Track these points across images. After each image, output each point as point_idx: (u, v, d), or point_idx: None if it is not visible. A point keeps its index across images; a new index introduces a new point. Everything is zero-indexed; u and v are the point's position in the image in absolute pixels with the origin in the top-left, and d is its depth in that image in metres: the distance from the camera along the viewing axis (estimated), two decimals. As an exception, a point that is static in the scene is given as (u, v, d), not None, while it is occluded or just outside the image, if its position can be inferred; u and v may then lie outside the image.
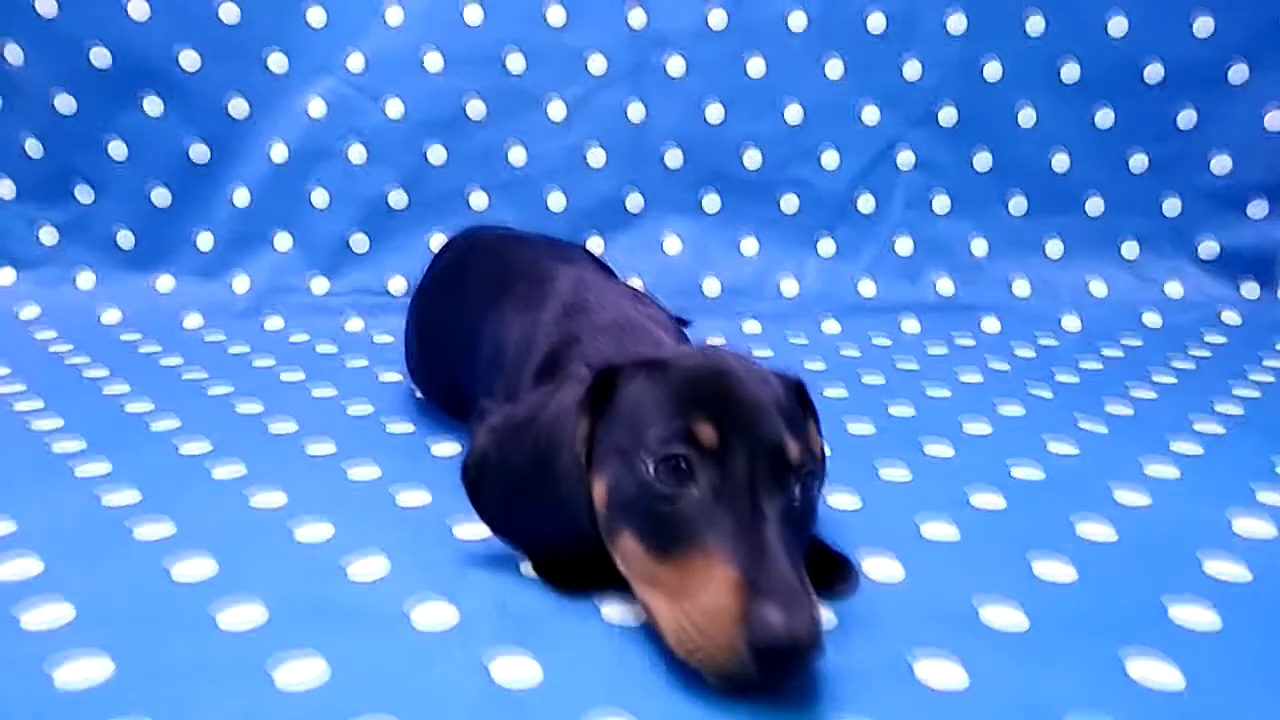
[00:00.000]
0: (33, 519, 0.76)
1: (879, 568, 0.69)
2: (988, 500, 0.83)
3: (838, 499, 0.82)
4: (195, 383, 1.20)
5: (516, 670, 0.55)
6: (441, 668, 0.55)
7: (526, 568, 0.68)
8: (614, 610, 0.63)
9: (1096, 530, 0.76)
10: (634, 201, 1.63)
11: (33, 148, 1.55)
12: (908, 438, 1.00)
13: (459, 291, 1.01)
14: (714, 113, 1.60)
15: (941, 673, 0.55)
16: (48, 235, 1.59)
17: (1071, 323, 1.55)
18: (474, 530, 0.74)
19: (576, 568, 0.65)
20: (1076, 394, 1.18)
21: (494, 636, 0.59)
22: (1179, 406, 1.12)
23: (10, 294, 1.56)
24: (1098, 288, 1.61)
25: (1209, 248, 1.62)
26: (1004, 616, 0.62)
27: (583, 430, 0.63)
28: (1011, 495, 0.84)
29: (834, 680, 0.53)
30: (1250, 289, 1.61)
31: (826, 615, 0.61)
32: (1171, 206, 1.63)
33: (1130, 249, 1.64)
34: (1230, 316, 1.56)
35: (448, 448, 0.96)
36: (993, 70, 1.59)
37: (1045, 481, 0.88)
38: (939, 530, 0.76)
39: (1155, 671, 0.55)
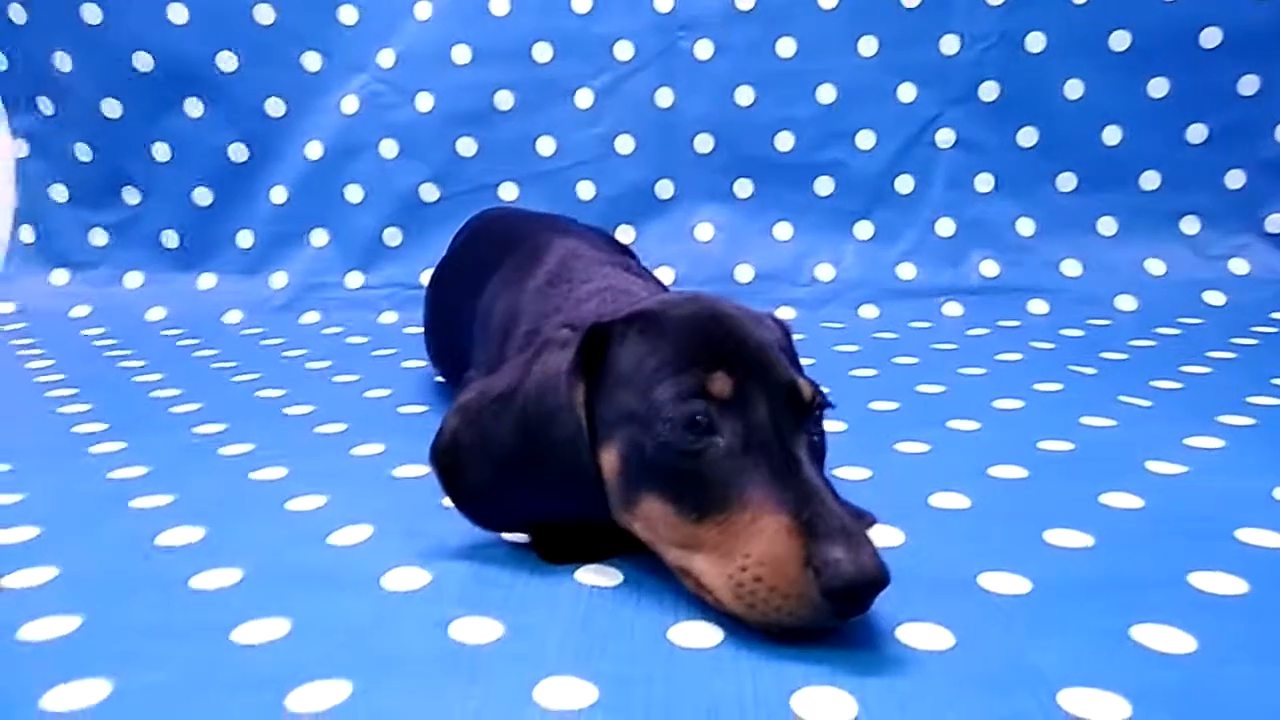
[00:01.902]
0: (40, 492, 0.78)
1: (876, 534, 0.65)
2: (1007, 471, 0.78)
3: (847, 471, 0.79)
4: (223, 371, 1.22)
5: (476, 630, 0.53)
6: (402, 627, 0.54)
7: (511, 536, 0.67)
8: (588, 574, 0.60)
9: (1121, 499, 0.71)
10: (664, 189, 1.61)
11: (82, 152, 1.61)
12: (932, 414, 0.95)
13: (463, 268, 1.00)
14: (744, 96, 1.57)
15: (926, 635, 0.51)
16: (98, 237, 1.64)
17: (1126, 303, 1.48)
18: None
19: (576, 541, 0.63)
20: (1123, 371, 1.12)
21: (461, 599, 0.57)
22: (1233, 382, 1.05)
23: (63, 294, 1.62)
24: (1155, 267, 1.53)
25: (1276, 221, 1.53)
26: (1004, 582, 0.57)
27: (580, 395, 0.59)
28: (1035, 467, 0.79)
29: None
30: (1324, 264, 1.51)
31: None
32: (1234, 179, 1.53)
33: (1190, 225, 1.55)
34: (1302, 293, 1.46)
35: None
36: (1036, 42, 1.52)
37: (1073, 453, 0.82)
38: (949, 500, 0.72)
39: (1163, 637, 0.50)
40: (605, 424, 0.59)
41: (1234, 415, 0.91)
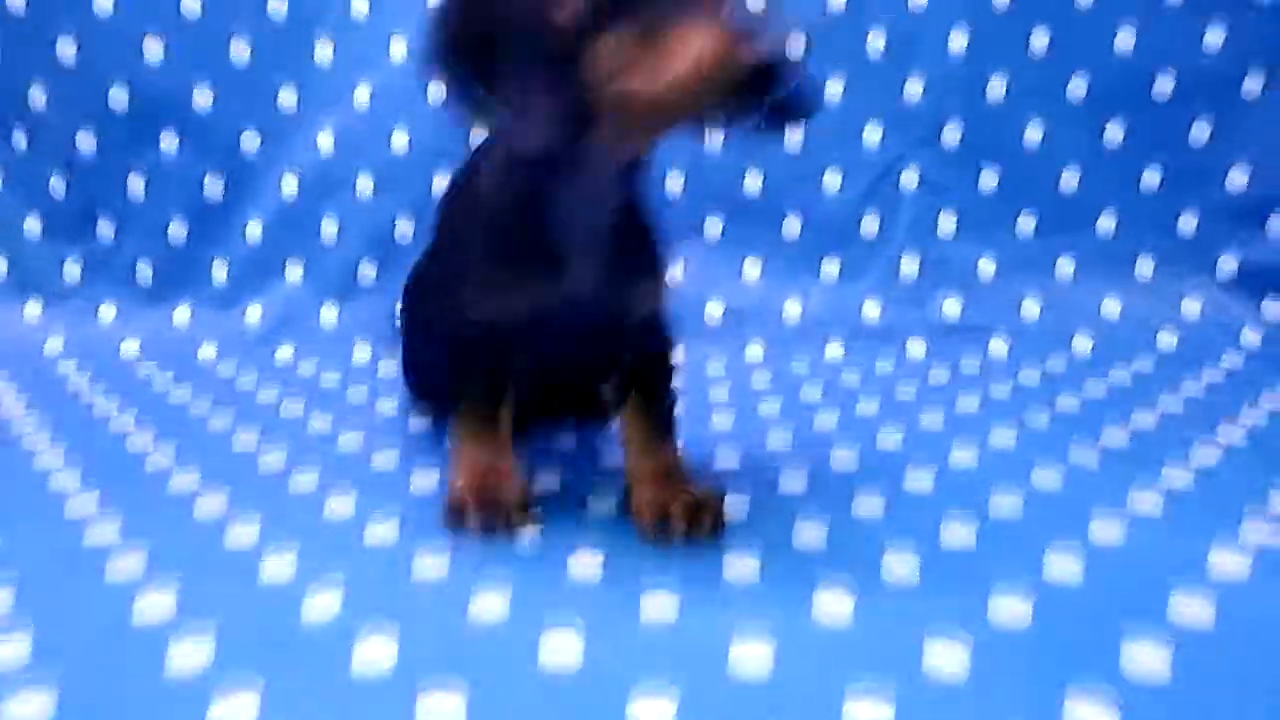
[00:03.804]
0: (13, 555, 0.79)
1: (828, 605, 0.68)
2: (958, 536, 0.81)
3: (802, 532, 0.82)
4: (197, 417, 1.22)
5: (442, 705, 0.56)
6: (368, 704, 0.56)
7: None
8: (552, 653, 0.63)
9: (1062, 566, 0.74)
10: (636, 227, 1.63)
11: (56, 185, 1.62)
12: (890, 469, 0.98)
13: None
14: (713, 136, 1.60)
15: (867, 712, 0.54)
16: (72, 270, 1.65)
17: (1083, 344, 1.52)
18: (433, 565, 0.75)
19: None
20: (1075, 421, 1.16)
21: (430, 667, 0.60)
22: (1179, 433, 1.09)
23: (37, 328, 1.62)
24: (1111, 307, 1.58)
25: (1228, 264, 1.58)
26: (944, 658, 0.61)
27: None
28: (984, 530, 0.82)
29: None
30: (1272, 307, 1.56)
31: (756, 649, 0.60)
32: (1187, 223, 1.59)
33: (1145, 267, 1.60)
34: (1251, 335, 1.52)
35: (426, 480, 0.97)
36: (997, 88, 1.57)
37: (1022, 515, 0.86)
38: (899, 569, 0.75)
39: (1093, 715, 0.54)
40: None
41: (1177, 468, 0.96)
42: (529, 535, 0.81)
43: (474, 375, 0.87)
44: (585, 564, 0.76)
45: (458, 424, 0.88)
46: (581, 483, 0.95)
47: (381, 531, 0.84)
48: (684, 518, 0.79)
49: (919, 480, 0.95)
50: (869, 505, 0.89)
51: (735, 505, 0.88)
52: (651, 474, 0.85)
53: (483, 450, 0.86)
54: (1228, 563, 0.75)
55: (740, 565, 0.75)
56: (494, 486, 0.83)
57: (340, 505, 0.90)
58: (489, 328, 0.84)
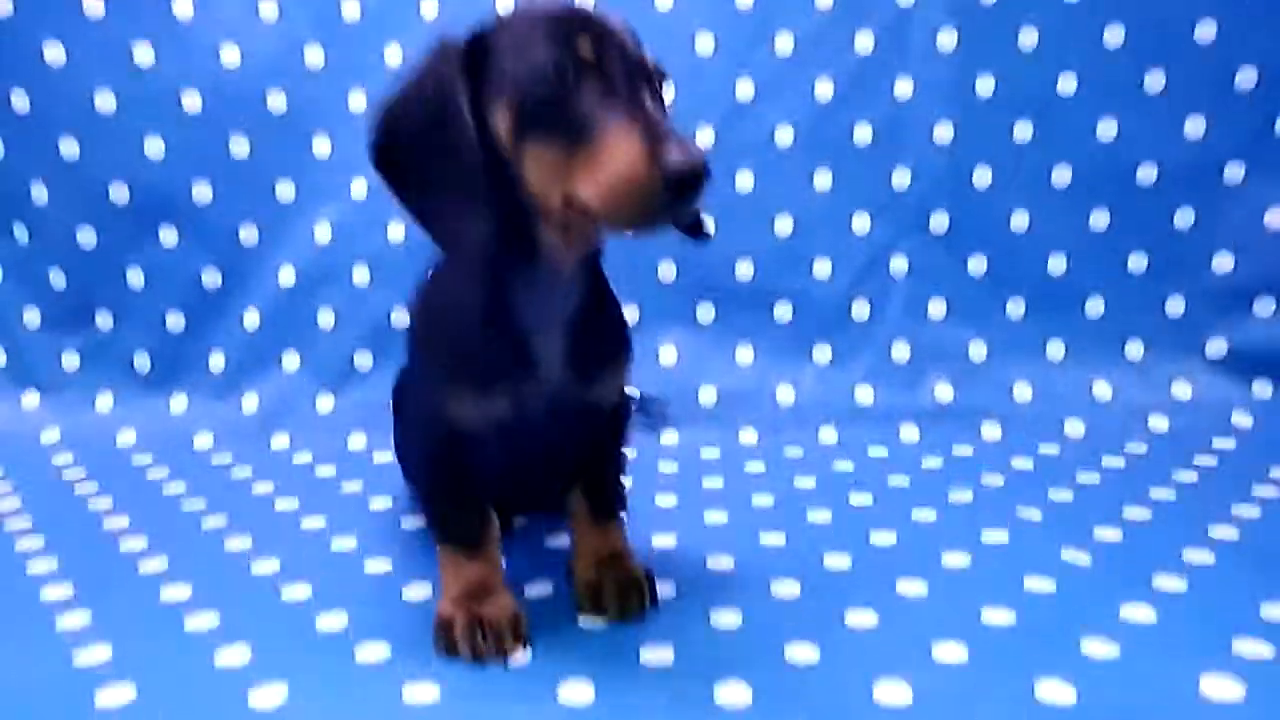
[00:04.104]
0: (6, 677, 0.79)
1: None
2: (951, 653, 0.81)
3: (798, 652, 0.81)
4: (192, 515, 1.22)
5: None
6: None
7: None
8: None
9: (1055, 692, 0.74)
10: (629, 314, 1.65)
11: (56, 279, 1.64)
12: (883, 573, 0.98)
13: None
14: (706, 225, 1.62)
15: None
16: (70, 361, 1.66)
17: (1075, 428, 1.53)
18: (423, 692, 0.75)
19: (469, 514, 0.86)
20: (1067, 516, 1.15)
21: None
22: (1172, 531, 1.09)
23: (34, 417, 1.63)
24: (1102, 390, 1.59)
25: (1217, 347, 1.59)
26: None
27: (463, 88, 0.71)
28: (977, 646, 0.82)
29: None
30: (1262, 388, 1.57)
31: None
32: (1175, 306, 1.61)
33: (1135, 349, 1.62)
34: (1241, 418, 1.52)
35: (418, 590, 0.97)
36: (982, 177, 1.60)
37: (1013, 629, 0.85)
38: (891, 692, 0.74)
39: None
40: (492, 96, 0.71)
41: (1169, 575, 0.95)
42: (519, 656, 0.81)
43: (456, 489, 0.87)
44: (576, 691, 0.76)
45: (442, 541, 0.88)
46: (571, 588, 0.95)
47: (372, 651, 0.83)
48: (616, 596, 0.87)
49: (911, 586, 0.95)
50: (861, 617, 0.88)
51: (729, 617, 0.88)
52: (594, 553, 0.91)
53: (470, 567, 0.85)
54: (1220, 687, 0.74)
55: (732, 691, 0.75)
56: (482, 607, 0.82)
57: (332, 620, 0.90)
58: (465, 435, 0.84)
